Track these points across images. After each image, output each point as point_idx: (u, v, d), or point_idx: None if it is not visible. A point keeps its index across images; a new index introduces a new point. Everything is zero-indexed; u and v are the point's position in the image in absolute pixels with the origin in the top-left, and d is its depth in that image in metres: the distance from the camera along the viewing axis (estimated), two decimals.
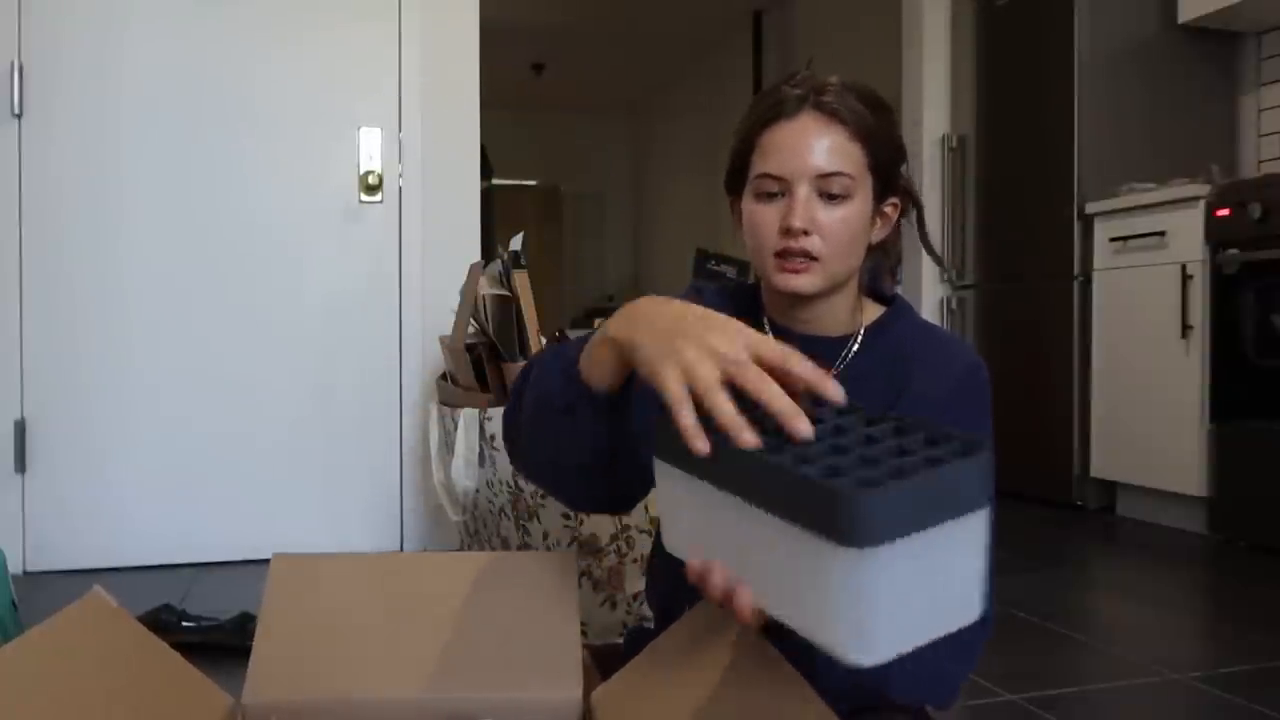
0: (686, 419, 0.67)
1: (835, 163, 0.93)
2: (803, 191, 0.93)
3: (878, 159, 0.96)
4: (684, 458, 0.68)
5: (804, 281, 0.94)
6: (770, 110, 0.95)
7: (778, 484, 0.62)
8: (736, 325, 0.72)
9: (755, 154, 0.96)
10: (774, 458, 0.64)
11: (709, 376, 0.68)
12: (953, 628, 0.64)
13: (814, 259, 0.93)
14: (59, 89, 2.55)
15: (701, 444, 0.66)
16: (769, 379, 0.67)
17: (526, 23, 6.19)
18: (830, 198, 0.93)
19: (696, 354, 0.69)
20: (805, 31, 5.88)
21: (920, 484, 0.59)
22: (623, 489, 0.93)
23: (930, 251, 1.10)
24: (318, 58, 2.72)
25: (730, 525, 0.67)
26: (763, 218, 0.95)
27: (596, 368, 0.81)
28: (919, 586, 0.60)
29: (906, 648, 0.62)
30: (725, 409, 0.66)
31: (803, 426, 0.65)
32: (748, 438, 0.64)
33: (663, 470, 0.74)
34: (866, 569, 0.58)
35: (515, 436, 0.92)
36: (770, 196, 0.94)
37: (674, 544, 0.75)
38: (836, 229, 0.93)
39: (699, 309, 0.75)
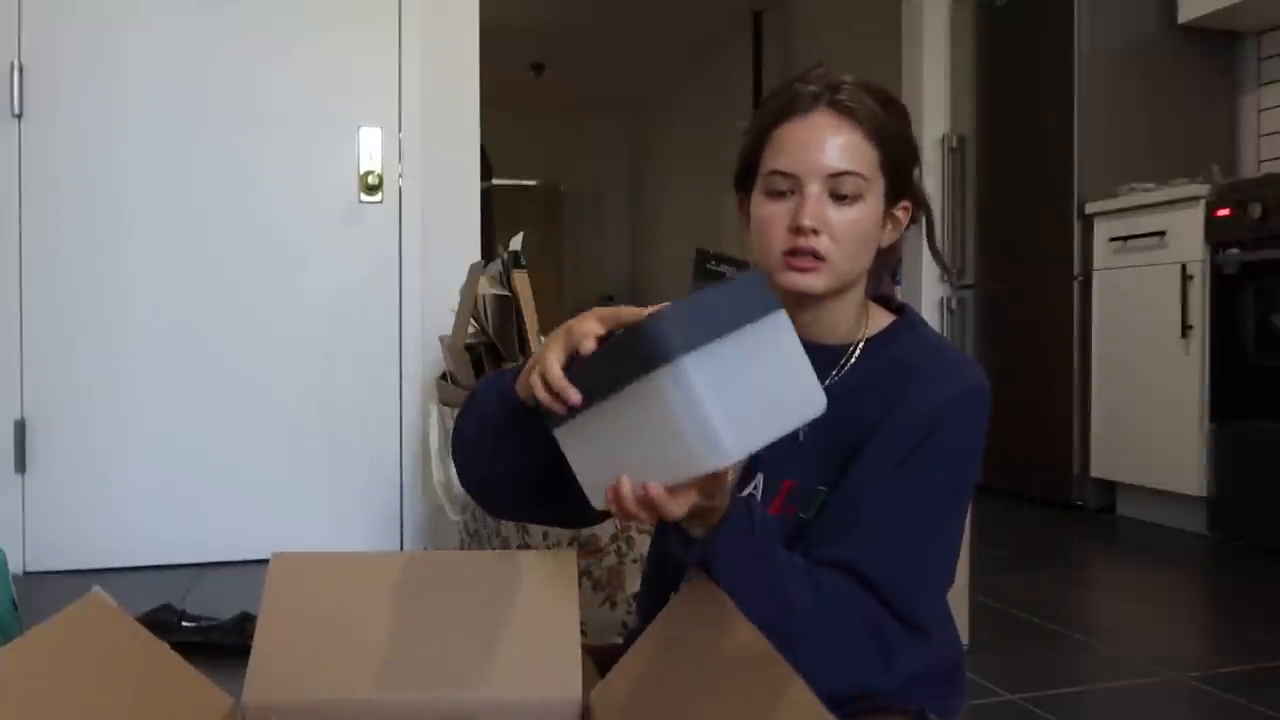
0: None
1: (848, 161, 0.91)
2: (814, 190, 0.91)
3: (891, 160, 0.94)
4: (559, 413, 0.80)
5: (811, 281, 0.92)
6: (783, 106, 0.93)
7: (607, 366, 0.75)
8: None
9: (767, 150, 0.94)
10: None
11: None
12: (798, 421, 0.76)
13: (822, 259, 0.91)
14: (59, 89, 2.54)
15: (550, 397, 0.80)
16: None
17: (526, 23, 6.17)
18: (841, 198, 0.91)
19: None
20: (805, 31, 5.87)
21: (696, 300, 0.70)
22: (569, 507, 0.93)
23: (938, 259, 1.08)
24: (318, 58, 2.71)
25: (603, 439, 0.77)
26: (772, 216, 0.93)
27: (524, 384, 0.87)
28: (744, 387, 0.70)
29: (756, 444, 0.72)
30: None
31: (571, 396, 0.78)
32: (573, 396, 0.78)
33: (561, 438, 0.82)
34: (685, 379, 0.67)
35: (462, 455, 0.96)
36: (780, 194, 0.92)
37: (595, 499, 0.82)
38: (847, 230, 0.91)
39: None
